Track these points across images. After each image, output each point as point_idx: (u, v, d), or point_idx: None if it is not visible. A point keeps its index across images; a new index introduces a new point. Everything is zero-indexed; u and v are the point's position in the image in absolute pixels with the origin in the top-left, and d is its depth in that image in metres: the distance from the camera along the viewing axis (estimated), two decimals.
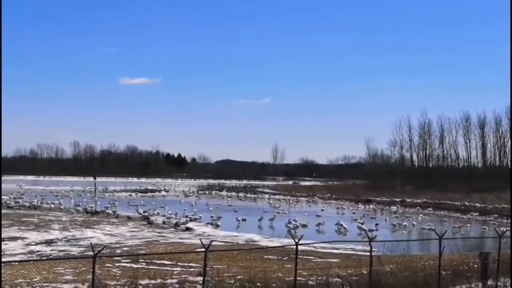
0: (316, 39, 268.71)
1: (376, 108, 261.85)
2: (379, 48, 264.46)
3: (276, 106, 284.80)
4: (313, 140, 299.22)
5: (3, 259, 24.20)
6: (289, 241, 28.96)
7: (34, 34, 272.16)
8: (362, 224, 48.02)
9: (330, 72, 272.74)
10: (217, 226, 46.18)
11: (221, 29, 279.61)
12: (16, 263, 22.07)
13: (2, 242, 30.43)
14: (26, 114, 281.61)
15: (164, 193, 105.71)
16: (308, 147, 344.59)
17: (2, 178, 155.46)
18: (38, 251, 28.26)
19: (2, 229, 36.83)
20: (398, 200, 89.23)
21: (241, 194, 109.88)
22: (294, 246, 17.24)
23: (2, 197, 70.95)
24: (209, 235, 38.57)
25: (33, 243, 31.07)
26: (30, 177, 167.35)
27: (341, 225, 47.15)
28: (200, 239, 20.28)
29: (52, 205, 60.30)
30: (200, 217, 51.81)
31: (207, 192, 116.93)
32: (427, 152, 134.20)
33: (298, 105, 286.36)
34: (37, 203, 61.23)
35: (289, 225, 45.50)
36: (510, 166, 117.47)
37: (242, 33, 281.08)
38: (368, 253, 20.03)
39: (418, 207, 76.47)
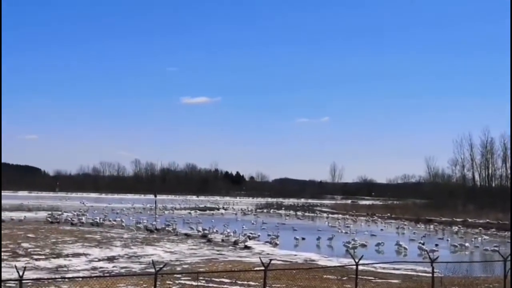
0: (375, 59, 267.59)
1: (437, 126, 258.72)
2: (439, 68, 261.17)
3: (335, 124, 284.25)
4: (372, 159, 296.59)
5: (68, 275, 24.90)
6: (348, 260, 28.77)
7: (96, 55, 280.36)
8: (423, 244, 47.15)
9: (389, 90, 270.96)
10: (275, 244, 46.10)
11: (280, 49, 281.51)
12: (80, 279, 22.65)
13: (67, 258, 31.25)
14: (89, 133, 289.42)
15: (222, 211, 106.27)
16: (367, 166, 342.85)
17: (67, 195, 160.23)
18: (100, 267, 28.78)
19: (67, 245, 37.82)
20: (459, 220, 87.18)
21: (299, 213, 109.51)
22: (354, 266, 17.15)
23: (66, 214, 73.15)
24: (268, 253, 38.58)
25: (96, 260, 31.67)
26: (93, 195, 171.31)
27: (401, 245, 46.47)
28: (259, 257, 20.35)
29: (114, 222, 61.47)
30: (259, 235, 51.85)
31: (265, 210, 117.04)
32: (490, 171, 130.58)
33: (357, 124, 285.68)
34: (100, 220, 62.44)
35: (348, 244, 45.07)
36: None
37: (301, 52, 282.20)
38: (429, 274, 19.70)
39: (480, 228, 74.45)
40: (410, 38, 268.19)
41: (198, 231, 54.14)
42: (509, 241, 58.17)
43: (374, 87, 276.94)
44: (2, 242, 37.40)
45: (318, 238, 50.54)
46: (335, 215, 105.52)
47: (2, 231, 45.11)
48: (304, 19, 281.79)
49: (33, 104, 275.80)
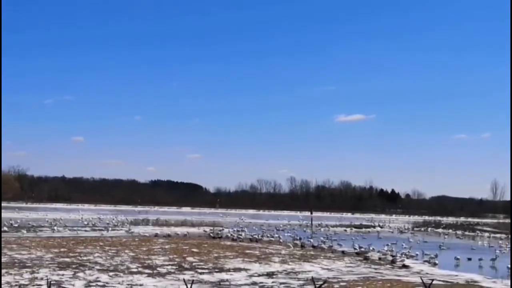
0: None
1: None
2: None
3: (497, 140, 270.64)
4: None
5: None
6: None
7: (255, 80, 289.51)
8: None
9: None
10: (434, 264, 44.90)
11: (436, 58, 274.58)
12: None
13: (228, 273, 32.60)
14: (247, 151, 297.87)
15: (378, 229, 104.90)
16: None
17: (226, 211, 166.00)
18: (260, 282, 29.66)
19: (228, 260, 39.35)
20: None
21: (458, 232, 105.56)
22: None
23: (227, 229, 76.02)
24: (427, 273, 37.70)
25: (256, 275, 32.63)
26: (251, 211, 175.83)
27: None
28: (420, 277, 20.21)
29: (272, 238, 62.87)
30: (417, 254, 50.81)
31: (422, 229, 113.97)
32: None
33: None
34: (258, 236, 64.12)
35: None
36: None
37: (458, 62, 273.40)
38: None
39: None
40: None
41: (355, 248, 54.03)
42: None
43: None
44: (170, 256, 39.81)
45: (480, 259, 48.61)
46: (498, 235, 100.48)
47: (169, 246, 47.92)
48: (453, 32, 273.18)
49: (196, 125, 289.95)
